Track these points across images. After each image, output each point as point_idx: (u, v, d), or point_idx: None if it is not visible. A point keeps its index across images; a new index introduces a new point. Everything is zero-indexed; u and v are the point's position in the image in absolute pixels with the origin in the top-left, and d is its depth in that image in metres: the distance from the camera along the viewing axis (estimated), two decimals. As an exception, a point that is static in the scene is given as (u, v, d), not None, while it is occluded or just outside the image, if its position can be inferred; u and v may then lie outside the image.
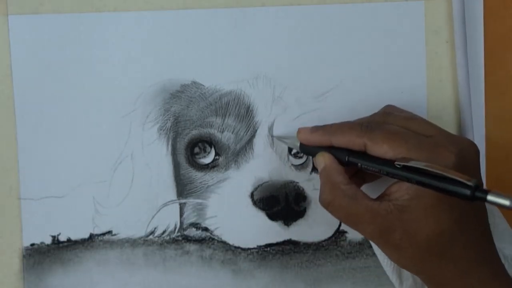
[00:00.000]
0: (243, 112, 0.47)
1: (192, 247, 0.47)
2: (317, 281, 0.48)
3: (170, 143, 0.47)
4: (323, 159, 0.41)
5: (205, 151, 0.47)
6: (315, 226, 0.47)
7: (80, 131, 0.47)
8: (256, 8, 0.47)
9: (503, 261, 0.40)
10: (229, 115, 0.47)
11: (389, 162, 0.37)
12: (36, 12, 0.46)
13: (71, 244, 0.47)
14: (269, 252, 0.48)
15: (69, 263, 0.47)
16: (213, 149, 0.47)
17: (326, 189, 0.39)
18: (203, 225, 0.47)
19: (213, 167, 0.47)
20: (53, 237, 0.47)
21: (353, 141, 0.39)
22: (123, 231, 0.47)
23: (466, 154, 0.38)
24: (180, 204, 0.47)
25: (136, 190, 0.47)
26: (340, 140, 0.40)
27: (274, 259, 0.48)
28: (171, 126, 0.47)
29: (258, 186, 0.47)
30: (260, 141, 0.47)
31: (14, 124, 0.46)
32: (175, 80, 0.47)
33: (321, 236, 0.47)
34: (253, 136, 0.47)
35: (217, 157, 0.47)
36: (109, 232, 0.47)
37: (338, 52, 0.47)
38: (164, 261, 0.47)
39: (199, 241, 0.47)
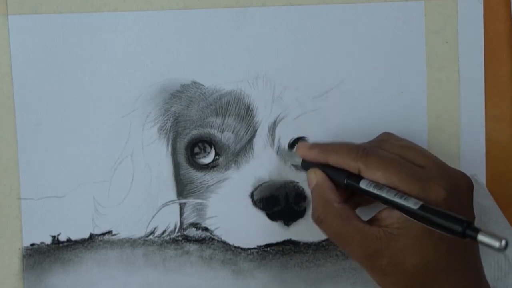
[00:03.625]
0: (243, 112, 0.47)
1: (192, 247, 0.47)
2: (317, 281, 0.48)
3: (170, 143, 0.47)
4: (314, 176, 0.41)
5: (205, 151, 0.47)
6: (315, 226, 0.47)
7: (80, 131, 0.47)
8: (256, 8, 0.47)
9: (504, 260, 0.40)
10: (229, 115, 0.47)
11: (385, 190, 0.37)
12: (36, 12, 0.46)
13: (71, 244, 0.47)
14: (269, 252, 0.47)
15: (69, 263, 0.47)
16: (213, 149, 0.47)
17: (319, 206, 0.40)
18: (203, 225, 0.47)
19: (213, 167, 0.47)
20: (53, 237, 0.47)
21: (348, 163, 0.39)
22: (123, 231, 0.47)
23: (458, 189, 0.38)
24: (180, 204, 0.47)
25: (136, 190, 0.47)
26: (336, 161, 0.40)
27: (274, 259, 0.48)
28: (171, 126, 0.47)
29: (258, 186, 0.47)
30: (260, 141, 0.47)
31: (14, 124, 0.46)
32: (175, 80, 0.47)
33: (321, 236, 0.47)
34: (253, 136, 0.47)
35: (217, 157, 0.47)
36: (109, 232, 0.47)
37: (338, 52, 0.47)
38: (164, 261, 0.47)
39: (199, 241, 0.47)
